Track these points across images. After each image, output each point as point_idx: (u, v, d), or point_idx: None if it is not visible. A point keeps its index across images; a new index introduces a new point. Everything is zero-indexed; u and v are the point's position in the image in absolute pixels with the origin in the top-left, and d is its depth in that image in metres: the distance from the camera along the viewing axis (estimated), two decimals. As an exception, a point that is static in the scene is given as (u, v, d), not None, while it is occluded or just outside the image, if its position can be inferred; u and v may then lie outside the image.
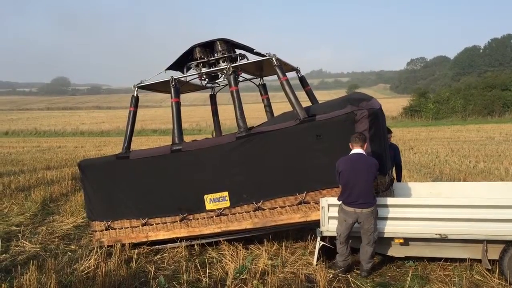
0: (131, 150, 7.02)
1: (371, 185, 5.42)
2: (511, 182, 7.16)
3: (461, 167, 13.90)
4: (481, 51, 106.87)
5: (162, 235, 6.68)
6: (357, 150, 5.43)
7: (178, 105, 6.72)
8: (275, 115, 7.73)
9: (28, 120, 61.00)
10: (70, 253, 6.82)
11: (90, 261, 6.10)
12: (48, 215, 9.47)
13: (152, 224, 6.70)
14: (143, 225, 6.72)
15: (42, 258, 6.54)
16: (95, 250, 6.41)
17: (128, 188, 6.78)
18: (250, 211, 6.22)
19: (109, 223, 6.87)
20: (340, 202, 5.49)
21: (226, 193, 6.27)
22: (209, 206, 6.37)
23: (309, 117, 5.99)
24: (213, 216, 6.38)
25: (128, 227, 6.82)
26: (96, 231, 7.00)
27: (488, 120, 40.91)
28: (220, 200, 6.31)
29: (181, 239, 6.67)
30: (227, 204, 6.29)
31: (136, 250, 6.69)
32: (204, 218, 6.44)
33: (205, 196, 6.36)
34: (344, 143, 5.60)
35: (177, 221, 6.57)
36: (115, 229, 6.88)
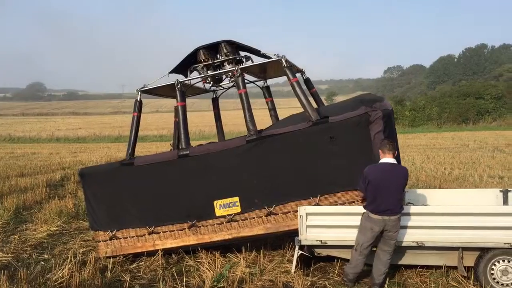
0: (135, 156, 6.83)
1: (402, 194, 5.28)
2: (485, 189, 7.29)
3: (437, 174, 14.12)
4: (455, 60, 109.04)
5: (169, 244, 6.49)
6: (388, 159, 5.20)
7: (184, 109, 6.55)
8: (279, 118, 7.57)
9: (2, 126, 59.66)
10: (43, 263, 6.64)
11: (63, 271, 5.93)
12: (20, 223, 9.23)
13: (159, 232, 6.50)
14: (150, 233, 6.53)
15: (13, 267, 6.36)
16: (69, 259, 6.27)
17: (134, 196, 6.57)
18: (262, 216, 6.02)
19: (113, 232, 6.67)
20: (365, 210, 5.28)
21: (236, 198, 6.09)
22: (219, 212, 6.18)
23: (322, 118, 5.84)
24: (223, 223, 6.18)
25: (134, 236, 6.62)
26: (100, 241, 6.78)
27: (463, 128, 41.76)
28: (231, 205, 6.12)
29: (191, 247, 6.51)
30: (238, 209, 6.10)
31: (111, 259, 6.55)
32: (214, 224, 6.23)
33: (215, 202, 6.17)
34: (359, 145, 5.53)
35: (185, 229, 6.37)
36: (120, 238, 6.67)
